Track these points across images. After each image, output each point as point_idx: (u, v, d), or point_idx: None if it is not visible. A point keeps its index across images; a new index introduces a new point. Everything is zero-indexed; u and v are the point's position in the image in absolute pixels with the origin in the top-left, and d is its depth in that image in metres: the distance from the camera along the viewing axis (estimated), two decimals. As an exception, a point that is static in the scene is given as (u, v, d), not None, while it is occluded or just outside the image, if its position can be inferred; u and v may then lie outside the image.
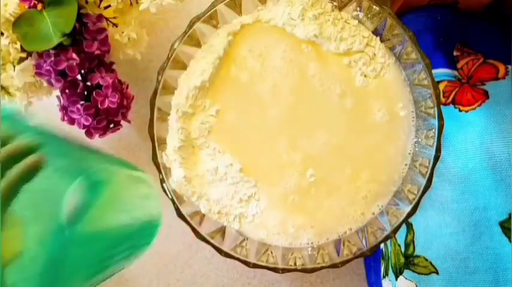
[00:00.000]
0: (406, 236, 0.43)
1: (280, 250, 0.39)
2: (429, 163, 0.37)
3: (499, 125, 0.40)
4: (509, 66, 0.44)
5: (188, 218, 0.38)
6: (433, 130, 0.37)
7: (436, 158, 0.36)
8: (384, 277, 0.46)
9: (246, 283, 0.53)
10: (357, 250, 0.38)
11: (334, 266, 0.38)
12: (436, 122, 0.37)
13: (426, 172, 0.37)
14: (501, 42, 0.46)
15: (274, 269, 0.38)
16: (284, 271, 0.38)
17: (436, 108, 0.37)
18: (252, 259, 0.38)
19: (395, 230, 0.37)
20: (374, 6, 0.38)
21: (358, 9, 0.39)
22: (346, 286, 0.52)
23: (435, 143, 0.36)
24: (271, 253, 0.39)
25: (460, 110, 0.42)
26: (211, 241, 0.38)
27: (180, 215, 0.38)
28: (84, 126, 0.41)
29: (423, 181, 0.37)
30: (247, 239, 0.40)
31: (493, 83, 0.43)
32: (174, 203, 0.39)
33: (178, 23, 0.54)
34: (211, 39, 0.40)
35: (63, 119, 0.42)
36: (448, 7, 0.47)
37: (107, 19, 0.41)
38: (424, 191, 0.37)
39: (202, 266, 0.53)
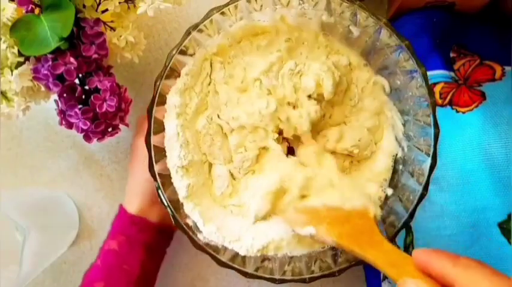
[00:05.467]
0: (405, 238, 0.43)
1: (277, 260, 0.39)
2: (425, 171, 0.36)
3: (496, 126, 0.40)
4: (506, 67, 0.44)
5: (185, 227, 0.38)
6: (429, 138, 0.36)
7: (432, 166, 0.36)
8: (384, 279, 0.46)
9: (245, 286, 0.53)
10: (353, 258, 0.37)
11: (331, 275, 0.37)
12: (431, 130, 0.36)
13: (422, 181, 0.36)
14: (497, 43, 0.46)
15: (271, 280, 0.38)
16: (281, 281, 0.37)
17: (431, 116, 0.36)
18: (249, 269, 0.38)
19: (393, 237, 0.37)
20: (369, 18, 0.37)
21: (353, 19, 0.38)
22: (346, 288, 0.52)
23: (431, 151, 0.36)
24: (269, 262, 0.39)
25: (457, 111, 0.42)
26: (209, 250, 0.38)
27: (177, 223, 0.38)
28: (82, 130, 0.41)
29: (419, 189, 0.36)
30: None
31: (490, 84, 0.43)
32: (171, 212, 0.38)
33: (176, 27, 0.54)
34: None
35: (61, 124, 0.42)
36: (445, 9, 0.47)
37: (104, 23, 0.41)
38: (421, 199, 0.36)
39: (202, 270, 0.53)
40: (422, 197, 0.36)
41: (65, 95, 0.40)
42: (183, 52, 0.39)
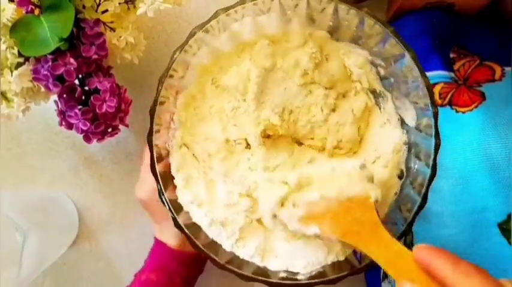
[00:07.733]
0: (405, 238, 0.43)
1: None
2: (431, 154, 0.35)
3: (496, 126, 0.40)
4: (506, 68, 0.44)
5: (185, 228, 0.38)
6: (429, 119, 0.36)
7: (437, 146, 0.35)
8: (383, 279, 0.46)
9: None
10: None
11: (356, 272, 0.36)
12: (430, 110, 0.35)
13: (429, 164, 0.36)
14: (497, 43, 0.46)
15: (269, 283, 0.37)
16: (280, 285, 0.37)
17: (429, 98, 0.35)
18: (247, 272, 0.37)
19: (410, 224, 0.36)
20: (351, 10, 0.37)
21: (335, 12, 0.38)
22: (346, 288, 0.52)
23: (433, 132, 0.35)
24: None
25: (456, 111, 0.42)
26: (208, 252, 0.37)
27: (177, 225, 0.38)
28: (82, 131, 0.41)
29: (427, 171, 0.36)
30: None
31: (490, 85, 0.43)
32: (171, 213, 0.38)
33: (176, 27, 0.54)
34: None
35: (61, 124, 0.42)
36: (444, 10, 0.47)
37: (104, 24, 0.41)
38: (430, 182, 0.35)
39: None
40: (432, 178, 0.35)
41: (64, 95, 0.40)
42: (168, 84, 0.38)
